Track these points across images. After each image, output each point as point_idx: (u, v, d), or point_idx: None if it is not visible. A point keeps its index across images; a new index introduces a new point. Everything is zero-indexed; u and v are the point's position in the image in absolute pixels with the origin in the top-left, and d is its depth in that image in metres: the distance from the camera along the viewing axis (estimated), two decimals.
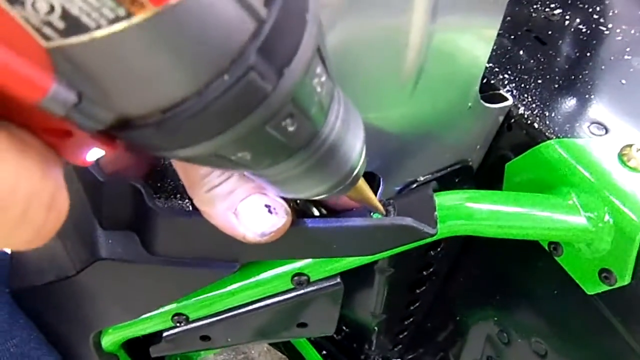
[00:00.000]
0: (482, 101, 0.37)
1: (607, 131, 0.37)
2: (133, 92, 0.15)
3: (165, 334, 0.44)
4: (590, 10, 0.49)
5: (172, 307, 0.40)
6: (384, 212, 0.33)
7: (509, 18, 0.50)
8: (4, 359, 0.47)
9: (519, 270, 0.46)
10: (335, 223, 0.31)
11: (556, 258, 0.38)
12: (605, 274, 0.35)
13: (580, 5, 0.50)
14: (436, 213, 0.33)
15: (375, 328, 0.54)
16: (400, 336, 0.61)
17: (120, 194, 0.35)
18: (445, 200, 0.36)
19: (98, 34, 0.13)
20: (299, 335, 0.46)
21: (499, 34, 0.47)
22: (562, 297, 0.42)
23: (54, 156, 0.18)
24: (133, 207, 0.34)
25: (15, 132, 0.16)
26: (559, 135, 0.38)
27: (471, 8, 0.30)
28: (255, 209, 0.29)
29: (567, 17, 0.49)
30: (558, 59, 0.45)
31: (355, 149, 0.24)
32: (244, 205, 0.29)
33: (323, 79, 0.19)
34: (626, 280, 0.34)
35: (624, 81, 0.42)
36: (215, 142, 0.17)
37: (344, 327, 0.62)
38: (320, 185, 0.24)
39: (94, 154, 0.20)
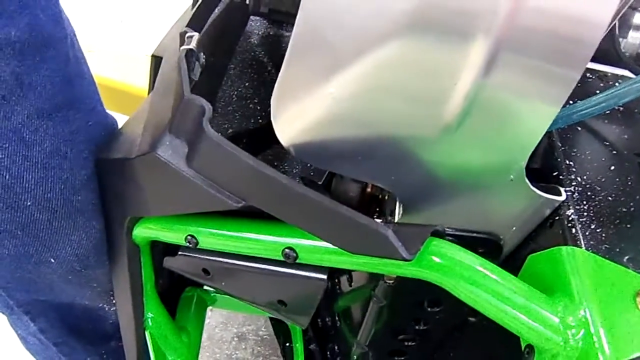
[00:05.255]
0: (527, 182, 0.37)
1: None
2: None
3: (180, 252, 0.50)
4: None
5: (188, 228, 0.46)
6: None
7: (625, 136, 0.47)
8: None
9: None
10: (323, 200, 0.34)
11: None
12: None
13: None
14: (421, 246, 0.34)
15: (355, 358, 0.54)
16: None
17: (191, 109, 0.41)
18: (446, 246, 0.36)
19: None
20: (277, 312, 0.48)
21: (602, 145, 0.46)
22: None
23: None
24: (194, 123, 0.41)
25: None
26: (590, 249, 0.36)
27: (534, 75, 0.31)
28: None
29: None
30: None
31: None
32: None
33: None
34: None
35: None
36: None
37: (336, 347, 0.62)
38: None
39: None
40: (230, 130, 0.61)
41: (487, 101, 0.32)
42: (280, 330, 0.74)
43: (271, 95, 0.67)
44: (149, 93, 0.72)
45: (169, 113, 0.44)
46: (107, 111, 0.58)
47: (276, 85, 0.36)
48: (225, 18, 0.63)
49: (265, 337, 1.27)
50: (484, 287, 0.34)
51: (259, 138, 0.63)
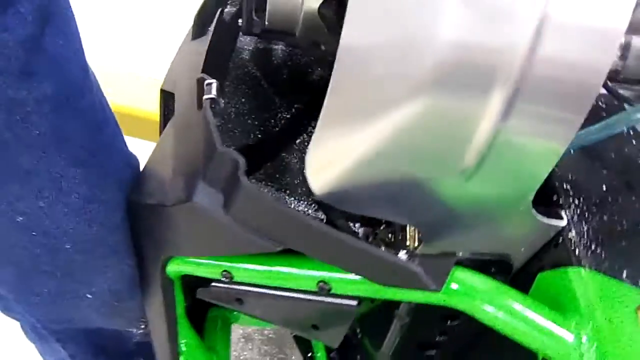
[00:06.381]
0: (534, 211, 0.42)
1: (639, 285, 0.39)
2: None
3: (213, 283, 0.54)
4: None
5: (224, 264, 0.50)
6: None
7: (612, 154, 0.52)
8: None
9: None
10: (358, 243, 0.38)
11: None
12: None
13: None
14: (447, 277, 0.39)
15: None
16: None
17: (225, 162, 0.45)
18: (462, 273, 0.41)
19: None
20: (310, 335, 0.53)
21: (593, 165, 0.51)
22: None
23: None
24: (229, 174, 0.44)
25: None
26: (593, 268, 0.40)
27: (546, 119, 0.34)
28: None
29: None
30: (637, 207, 0.46)
31: None
32: None
33: None
34: None
35: None
36: None
37: (358, 357, 0.67)
38: None
39: None
40: (232, 148, 0.63)
41: (503, 145, 0.36)
42: (302, 339, 0.79)
43: (267, 108, 0.69)
44: (160, 128, 0.75)
45: (198, 159, 0.48)
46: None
47: (312, 139, 0.40)
48: (220, 39, 0.65)
49: (270, 336, 1.32)
50: (501, 309, 0.39)
51: (259, 153, 0.66)
